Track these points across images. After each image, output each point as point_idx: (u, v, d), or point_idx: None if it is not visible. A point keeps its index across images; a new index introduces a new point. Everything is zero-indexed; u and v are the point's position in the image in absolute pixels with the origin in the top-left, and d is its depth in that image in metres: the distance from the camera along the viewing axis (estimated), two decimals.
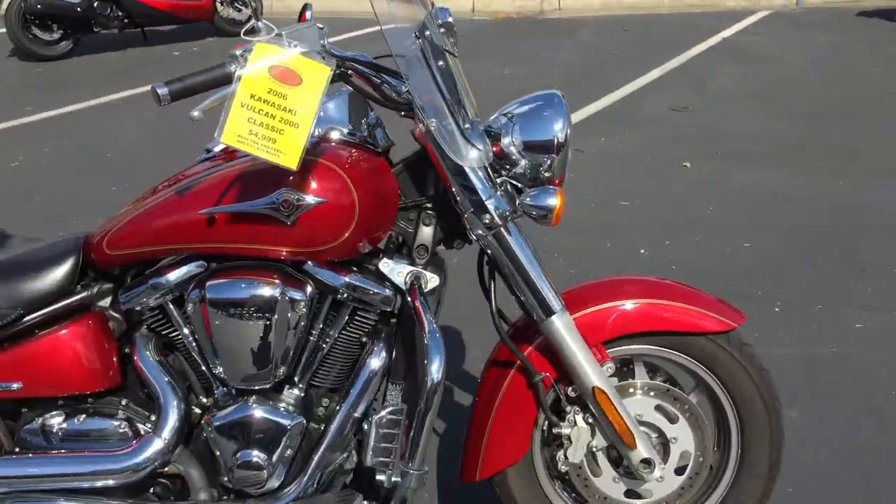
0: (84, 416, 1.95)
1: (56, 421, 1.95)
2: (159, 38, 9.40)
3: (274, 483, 1.90)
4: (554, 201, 1.83)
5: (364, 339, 1.94)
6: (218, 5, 9.19)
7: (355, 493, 1.85)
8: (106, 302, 1.99)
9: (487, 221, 1.85)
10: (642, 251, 3.96)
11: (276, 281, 1.83)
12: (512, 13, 10.17)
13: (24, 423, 1.97)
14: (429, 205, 1.95)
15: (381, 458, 1.77)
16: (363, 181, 1.82)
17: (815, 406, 2.82)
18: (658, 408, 2.03)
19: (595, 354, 1.94)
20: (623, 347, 2.00)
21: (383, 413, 1.79)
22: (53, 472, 1.89)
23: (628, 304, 1.97)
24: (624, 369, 2.06)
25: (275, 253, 1.82)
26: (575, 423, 1.98)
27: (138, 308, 1.94)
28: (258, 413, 1.88)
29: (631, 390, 2.03)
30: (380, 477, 1.78)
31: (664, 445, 2.04)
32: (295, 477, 1.92)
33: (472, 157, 1.82)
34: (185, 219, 1.82)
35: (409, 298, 1.83)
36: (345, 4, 10.04)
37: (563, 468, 2.03)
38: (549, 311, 1.89)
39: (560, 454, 2.01)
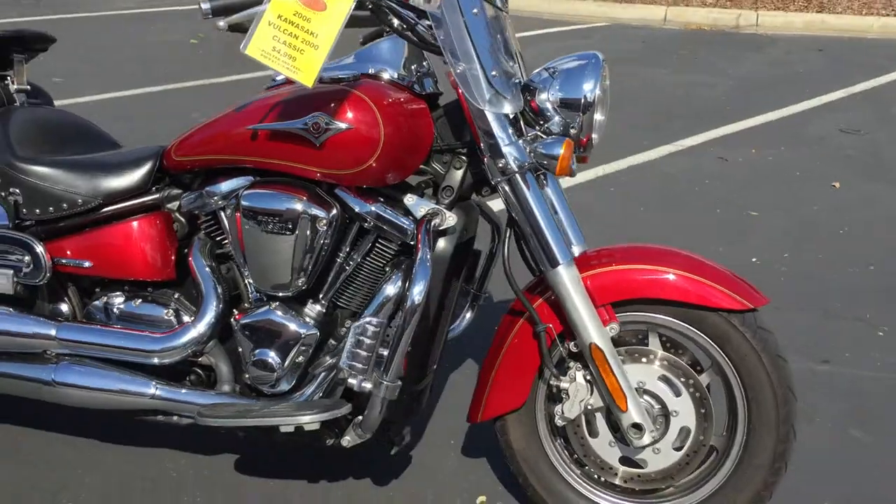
0: (140, 300, 2.21)
1: (117, 301, 2.22)
2: None
3: (284, 386, 2.07)
4: (559, 151, 1.88)
5: (386, 268, 2.07)
6: None
7: (344, 402, 1.98)
8: (174, 205, 2.23)
9: (501, 166, 1.92)
10: (754, 259, 3.83)
11: (303, 197, 2.00)
12: (704, 25, 9.90)
13: (93, 299, 2.26)
14: (462, 150, 2.05)
15: (353, 363, 1.89)
16: (394, 118, 1.94)
17: (880, 432, 2.65)
18: (663, 378, 2.02)
19: (601, 313, 1.97)
20: (634, 313, 2.01)
21: (364, 321, 1.91)
22: (105, 342, 2.15)
23: (645, 270, 1.98)
24: (644, 341, 2.07)
25: (304, 172, 1.98)
26: (574, 379, 2.01)
27: (196, 212, 2.17)
28: (277, 319, 2.05)
29: (636, 356, 2.03)
30: (351, 381, 1.91)
31: (665, 417, 2.03)
32: (305, 384, 2.09)
33: (494, 104, 1.90)
34: (235, 132, 2.03)
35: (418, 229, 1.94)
36: (535, 4, 10.20)
37: (559, 422, 2.06)
38: (554, 262, 1.94)
39: (558, 408, 2.05)
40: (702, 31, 9.71)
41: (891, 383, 2.91)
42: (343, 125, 1.92)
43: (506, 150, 1.92)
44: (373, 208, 2.02)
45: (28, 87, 2.47)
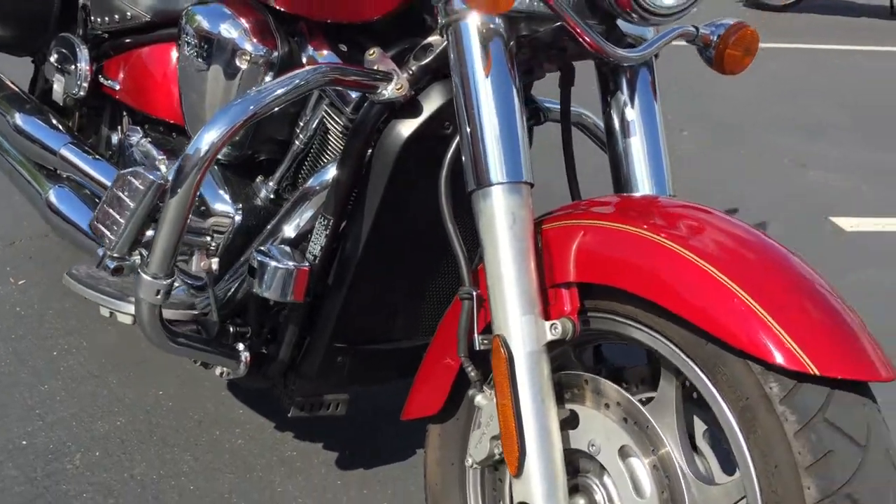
0: (148, 140, 1.86)
1: (134, 137, 1.90)
2: None
3: None
4: None
5: (329, 151, 1.43)
6: None
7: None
8: None
9: None
10: None
11: (242, 21, 1.45)
12: None
13: (124, 131, 1.98)
14: None
15: (98, 224, 1.24)
16: None
17: None
18: (625, 451, 1.04)
19: (557, 295, 1.07)
20: (616, 317, 1.06)
21: (128, 172, 1.24)
22: (88, 171, 1.85)
23: (670, 253, 1.01)
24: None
25: None
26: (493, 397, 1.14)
27: None
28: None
29: (611, 400, 1.08)
30: (99, 251, 1.27)
31: None
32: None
33: None
34: None
35: None
36: None
37: (468, 462, 1.21)
38: (482, 178, 1.10)
39: (471, 437, 1.20)
40: None
41: None
42: None
43: None
44: (322, 55, 1.38)
45: None
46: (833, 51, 6.46)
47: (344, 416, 1.59)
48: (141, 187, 1.17)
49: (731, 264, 0.96)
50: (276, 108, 1.21)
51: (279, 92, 1.19)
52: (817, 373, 0.88)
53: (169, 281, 1.18)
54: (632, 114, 1.28)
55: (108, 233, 1.18)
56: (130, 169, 1.20)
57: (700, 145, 3.90)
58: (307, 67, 1.24)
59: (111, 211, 1.18)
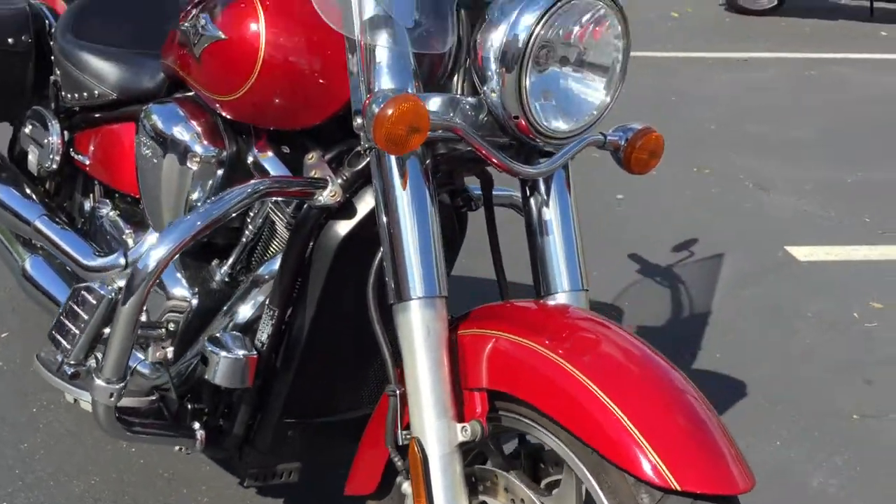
0: (117, 214, 1.98)
1: (103, 208, 2.01)
2: (889, 16, 8.33)
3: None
4: (376, 109, 1.14)
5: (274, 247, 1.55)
6: None
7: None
8: None
9: (358, 124, 1.25)
10: None
11: (193, 124, 1.57)
12: None
13: (95, 201, 2.10)
14: None
15: (56, 334, 1.37)
16: (289, 35, 1.39)
17: None
18: None
19: (471, 399, 1.20)
20: (520, 418, 1.19)
21: (83, 286, 1.37)
22: (59, 243, 1.96)
23: (557, 368, 1.13)
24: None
25: (192, 86, 1.56)
26: None
27: None
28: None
29: (517, 496, 1.20)
30: (57, 356, 1.40)
31: None
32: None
33: (373, 30, 1.22)
34: (166, 33, 1.67)
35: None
36: None
37: None
38: (402, 292, 1.22)
39: None
40: None
41: None
42: (217, 32, 1.43)
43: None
44: (266, 157, 1.50)
45: None
46: (811, 60, 6.54)
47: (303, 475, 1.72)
48: (93, 302, 1.30)
49: (613, 382, 1.08)
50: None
51: (222, 209, 1.31)
52: (678, 488, 1.00)
53: (121, 385, 1.30)
54: (548, 213, 1.39)
55: (64, 342, 1.31)
56: (84, 284, 1.33)
57: (662, 166, 3.99)
58: (249, 183, 1.36)
59: (67, 322, 1.31)
